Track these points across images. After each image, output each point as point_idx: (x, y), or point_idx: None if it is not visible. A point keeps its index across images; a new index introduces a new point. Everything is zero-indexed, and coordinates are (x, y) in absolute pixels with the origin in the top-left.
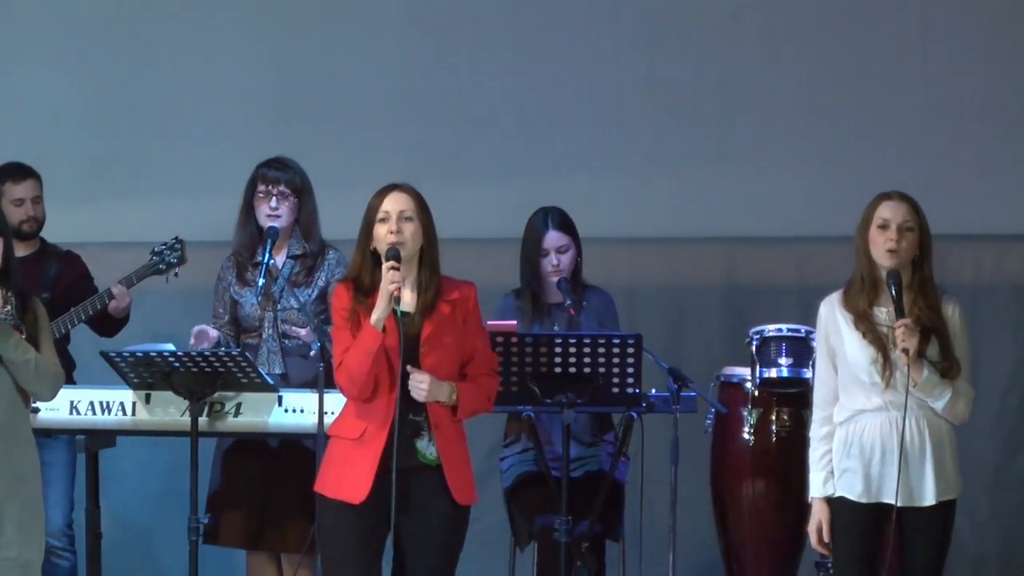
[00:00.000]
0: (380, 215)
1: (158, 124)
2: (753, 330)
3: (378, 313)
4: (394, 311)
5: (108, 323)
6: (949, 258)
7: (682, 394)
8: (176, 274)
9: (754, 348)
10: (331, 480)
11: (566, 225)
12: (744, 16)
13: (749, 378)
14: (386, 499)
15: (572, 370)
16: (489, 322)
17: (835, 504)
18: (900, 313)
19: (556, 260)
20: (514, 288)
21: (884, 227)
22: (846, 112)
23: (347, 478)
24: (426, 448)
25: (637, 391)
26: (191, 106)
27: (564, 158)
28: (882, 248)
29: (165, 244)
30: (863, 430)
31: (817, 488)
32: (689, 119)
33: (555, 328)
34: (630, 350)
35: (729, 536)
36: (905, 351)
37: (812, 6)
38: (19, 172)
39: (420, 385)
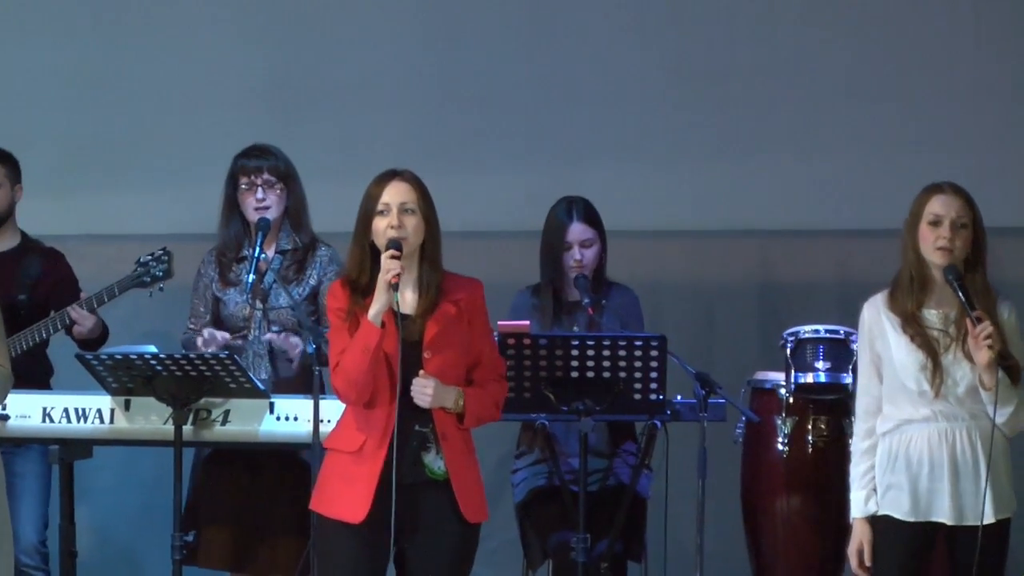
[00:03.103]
0: (379, 207)
1: (141, 109)
2: (788, 331)
3: (377, 306)
4: (392, 309)
5: (80, 343)
6: None
7: (710, 401)
8: (161, 288)
9: (789, 351)
10: (328, 497)
11: (591, 217)
12: None
13: (783, 384)
14: (389, 518)
15: (590, 375)
16: (500, 322)
17: (879, 522)
18: (971, 306)
19: (579, 255)
20: (529, 284)
21: (936, 223)
22: (890, 96)
23: (346, 495)
24: (434, 462)
25: (661, 398)
26: (177, 90)
27: (582, 145)
28: (933, 246)
29: (151, 255)
30: (909, 442)
31: (859, 507)
32: (719, 103)
33: (575, 329)
34: (654, 353)
35: (761, 556)
36: (991, 347)
37: None
38: None
39: (425, 390)
